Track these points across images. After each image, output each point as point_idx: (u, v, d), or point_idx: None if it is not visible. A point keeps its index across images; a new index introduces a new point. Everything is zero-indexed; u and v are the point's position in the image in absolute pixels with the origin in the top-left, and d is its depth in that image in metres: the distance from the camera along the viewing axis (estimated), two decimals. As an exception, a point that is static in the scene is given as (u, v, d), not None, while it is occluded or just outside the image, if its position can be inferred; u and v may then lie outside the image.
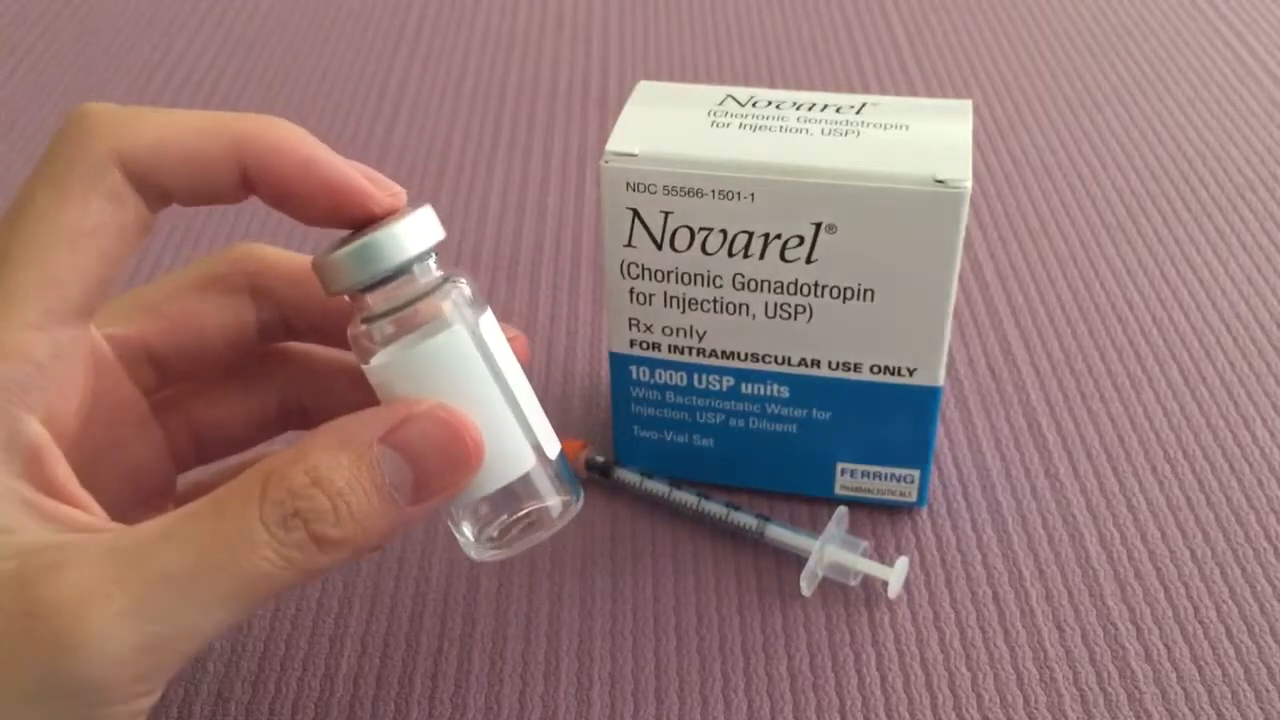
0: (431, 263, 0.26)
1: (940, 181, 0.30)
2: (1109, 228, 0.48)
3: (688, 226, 0.31)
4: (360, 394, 0.25)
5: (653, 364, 0.34)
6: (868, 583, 0.34)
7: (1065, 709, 0.31)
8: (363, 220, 0.25)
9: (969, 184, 0.30)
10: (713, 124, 0.32)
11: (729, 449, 0.36)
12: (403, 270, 0.25)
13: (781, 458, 0.35)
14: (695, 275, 0.32)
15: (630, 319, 0.34)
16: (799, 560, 0.34)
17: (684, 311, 0.33)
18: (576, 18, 0.65)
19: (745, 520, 0.35)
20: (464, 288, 0.26)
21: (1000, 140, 0.54)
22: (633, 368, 0.35)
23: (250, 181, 0.25)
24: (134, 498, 0.28)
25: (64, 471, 0.23)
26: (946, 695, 0.31)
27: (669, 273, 0.32)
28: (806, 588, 0.33)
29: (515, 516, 0.26)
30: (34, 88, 0.60)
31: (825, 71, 0.59)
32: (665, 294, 0.33)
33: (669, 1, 0.67)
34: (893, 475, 0.35)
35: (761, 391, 0.34)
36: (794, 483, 0.36)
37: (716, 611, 0.34)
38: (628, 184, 0.31)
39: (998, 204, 0.50)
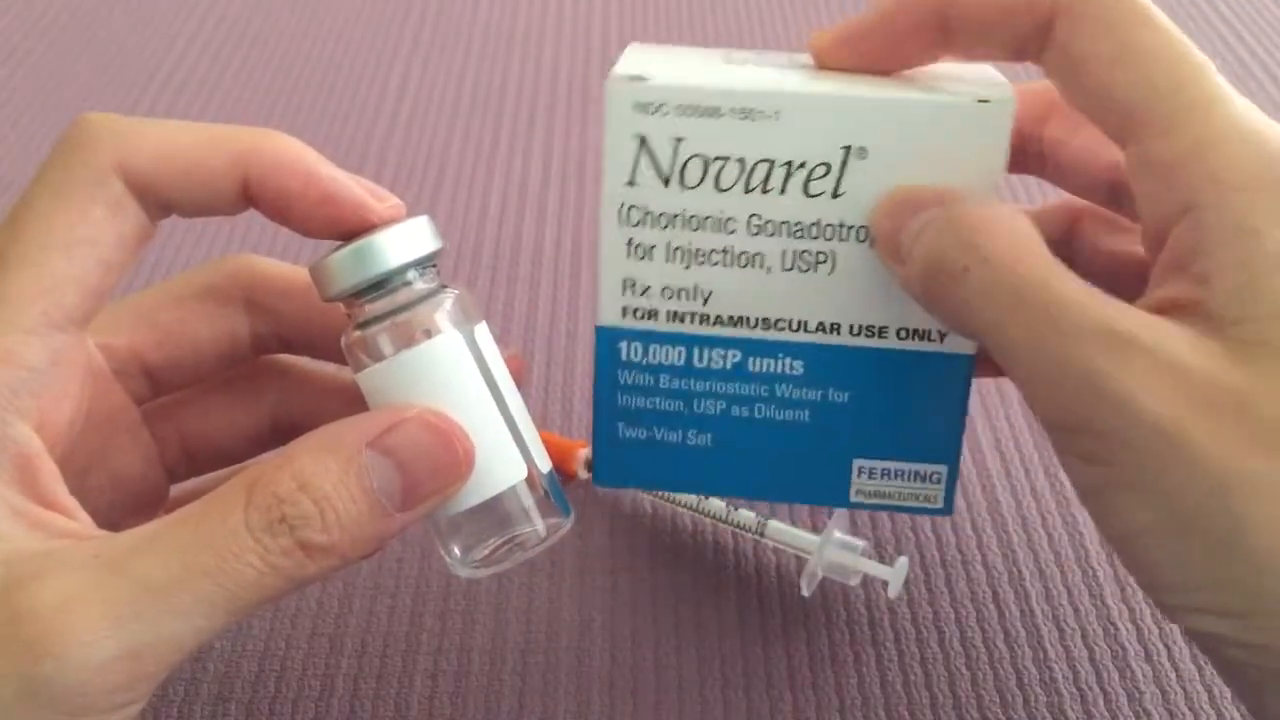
0: (429, 272, 0.26)
1: (984, 101, 0.27)
2: (1109, 228, 0.48)
3: (701, 156, 0.28)
4: (354, 410, 0.25)
5: (647, 338, 0.30)
6: (868, 583, 0.34)
7: (1065, 709, 0.31)
8: (361, 231, 0.25)
9: (1014, 100, 0.27)
10: (726, 61, 0.30)
11: (729, 448, 0.31)
12: (398, 275, 0.25)
13: (790, 457, 0.31)
14: (705, 219, 0.29)
15: (625, 280, 0.30)
16: (799, 560, 0.34)
17: (689, 266, 0.29)
18: (577, 18, 0.66)
19: (745, 520, 0.35)
20: (459, 297, 0.26)
21: (1000, 140, 0.54)
22: (623, 344, 0.30)
23: (250, 194, 0.25)
24: (125, 507, 0.28)
25: (53, 478, 0.23)
26: (946, 695, 0.31)
27: (675, 217, 0.29)
28: (806, 588, 0.33)
29: (504, 539, 0.26)
30: (33, 91, 0.60)
31: (825, 72, 0.60)
32: (669, 245, 0.29)
33: (670, 3, 0.67)
34: (916, 474, 0.31)
35: (772, 369, 0.30)
36: (804, 489, 0.32)
37: (716, 611, 0.34)
38: (636, 104, 0.28)
39: (998, 204, 0.50)
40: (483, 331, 0.26)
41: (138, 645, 0.21)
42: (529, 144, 0.54)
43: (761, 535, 0.35)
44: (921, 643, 0.33)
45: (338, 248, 0.25)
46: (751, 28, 0.64)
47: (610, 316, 0.30)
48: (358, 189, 0.25)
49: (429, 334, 0.25)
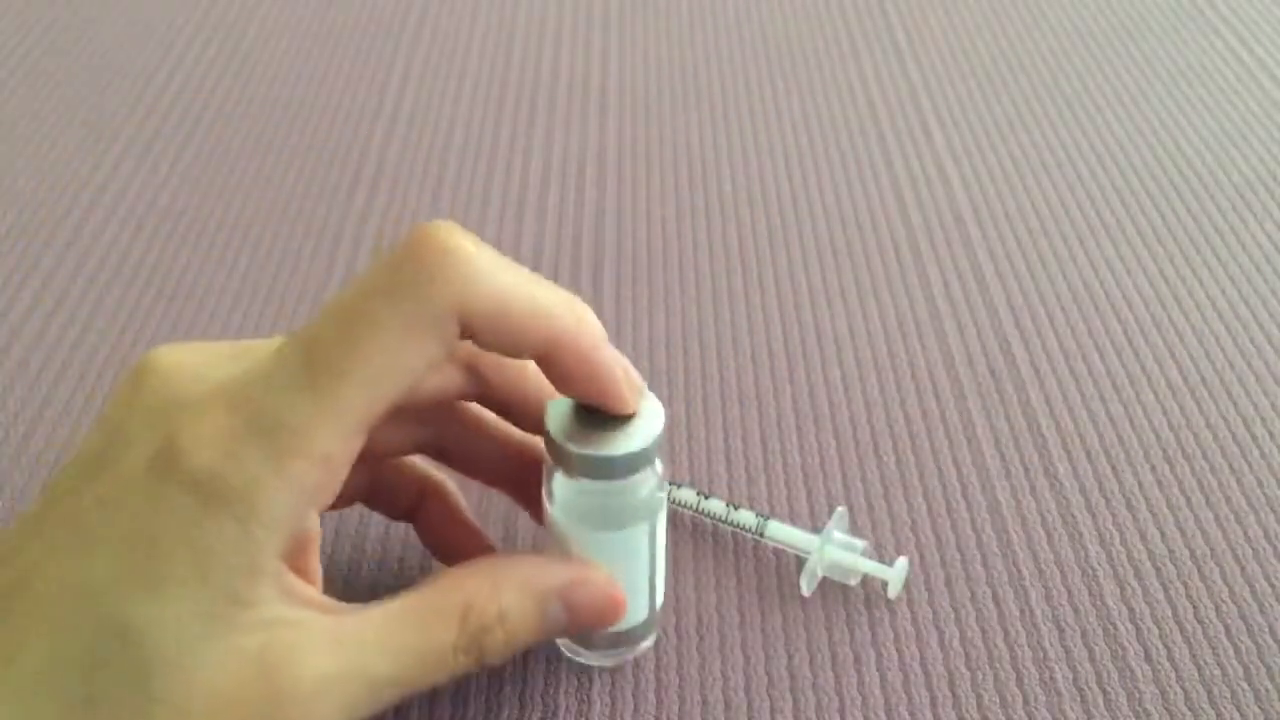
0: (651, 470, 0.29)
1: None
2: (1108, 227, 0.48)
3: None
4: (502, 455, 0.31)
5: None
6: (868, 583, 0.34)
7: (1065, 709, 0.31)
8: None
9: None
10: None
11: None
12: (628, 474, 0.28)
13: None
14: None
15: None
16: (799, 560, 0.35)
17: None
18: (576, 17, 0.66)
19: (745, 520, 0.35)
20: (664, 495, 0.29)
21: (1000, 140, 0.54)
22: None
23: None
24: None
25: (315, 556, 0.27)
26: (946, 695, 0.31)
27: None
28: (806, 588, 0.34)
29: (616, 652, 0.32)
30: (35, 89, 0.60)
31: (825, 72, 0.60)
32: None
33: (669, 3, 0.67)
34: None
35: None
36: None
37: (716, 611, 0.34)
38: None
39: (997, 204, 0.50)
40: (662, 514, 0.30)
41: None
42: (529, 144, 0.54)
43: (761, 535, 0.35)
44: (921, 643, 0.33)
45: (581, 435, 0.28)
46: (752, 30, 0.64)
47: None
48: (621, 380, 0.28)
49: (624, 519, 0.29)
